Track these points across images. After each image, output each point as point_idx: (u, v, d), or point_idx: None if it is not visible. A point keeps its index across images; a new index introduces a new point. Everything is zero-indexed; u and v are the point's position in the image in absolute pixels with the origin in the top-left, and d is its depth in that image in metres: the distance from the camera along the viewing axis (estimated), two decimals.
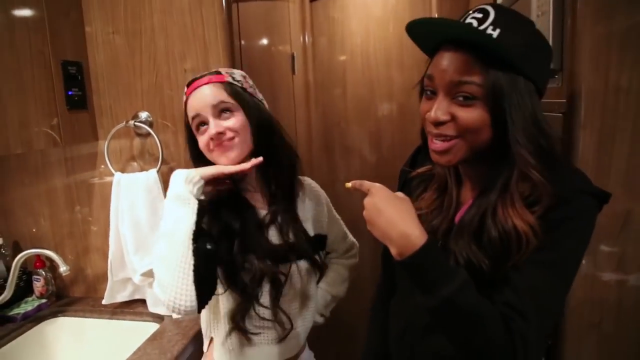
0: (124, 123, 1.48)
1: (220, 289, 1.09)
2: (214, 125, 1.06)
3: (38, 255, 1.61)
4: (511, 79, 0.75)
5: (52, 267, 1.66)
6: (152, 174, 1.46)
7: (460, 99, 0.77)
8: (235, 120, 1.08)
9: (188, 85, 1.12)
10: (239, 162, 1.08)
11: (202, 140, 1.09)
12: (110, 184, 1.51)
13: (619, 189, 1.04)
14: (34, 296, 1.63)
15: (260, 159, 1.07)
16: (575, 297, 1.05)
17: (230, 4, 1.45)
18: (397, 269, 1.02)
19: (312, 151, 2.57)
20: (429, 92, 0.83)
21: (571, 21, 1.07)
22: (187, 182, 1.01)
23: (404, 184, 1.06)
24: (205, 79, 1.10)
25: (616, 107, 1.02)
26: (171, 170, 1.50)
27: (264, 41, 1.93)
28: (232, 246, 1.07)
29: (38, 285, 1.61)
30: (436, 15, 2.32)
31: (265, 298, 1.11)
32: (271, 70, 1.98)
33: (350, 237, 1.40)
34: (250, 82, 1.17)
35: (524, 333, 0.73)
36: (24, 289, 1.62)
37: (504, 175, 0.79)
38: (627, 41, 0.99)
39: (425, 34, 0.82)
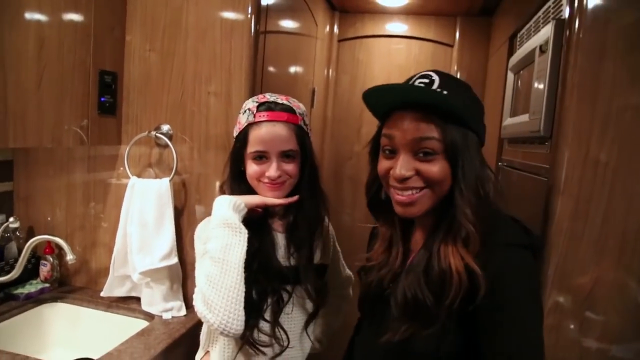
0: (147, 132, 1.59)
1: None
2: (276, 168, 1.12)
3: (49, 242, 1.71)
4: (463, 133, 0.84)
5: (60, 255, 1.75)
6: (165, 183, 1.57)
7: (422, 155, 0.84)
8: (294, 167, 1.15)
9: (259, 109, 1.13)
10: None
11: (254, 169, 1.14)
12: (125, 186, 1.60)
13: (589, 255, 1.12)
14: (38, 279, 1.73)
15: (297, 198, 1.16)
16: None
17: (259, 34, 1.57)
18: (360, 310, 1.10)
19: (321, 178, 2.67)
20: (387, 152, 0.89)
21: (560, 96, 1.16)
22: (234, 210, 1.08)
23: (369, 241, 1.15)
24: (283, 116, 1.13)
25: (593, 178, 1.09)
26: (182, 181, 1.63)
27: (288, 71, 2.05)
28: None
29: (44, 269, 1.71)
30: (455, 67, 2.43)
31: (267, 313, 1.15)
32: None
33: (347, 270, 1.45)
34: (308, 120, 1.23)
35: None
36: (30, 272, 1.71)
37: (449, 220, 0.85)
38: (609, 120, 1.08)
39: (384, 99, 0.89)
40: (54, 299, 1.68)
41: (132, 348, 1.33)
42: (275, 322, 1.16)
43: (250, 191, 1.19)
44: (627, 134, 1.07)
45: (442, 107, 0.83)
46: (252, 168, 1.15)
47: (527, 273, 0.83)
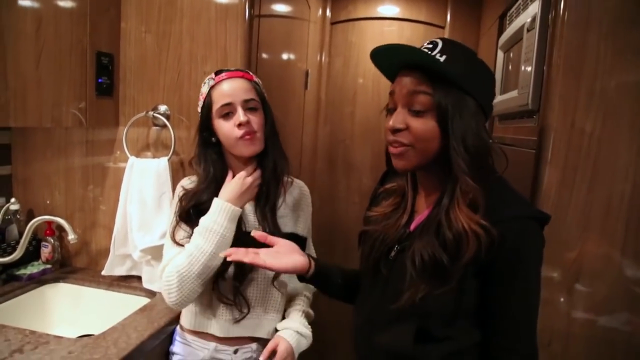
0: (144, 113, 1.62)
1: None
2: (243, 114, 1.20)
3: (49, 223, 1.74)
4: (457, 96, 0.88)
5: (61, 237, 1.79)
6: (163, 162, 1.59)
7: (413, 109, 0.89)
8: (260, 119, 1.24)
9: (217, 74, 1.25)
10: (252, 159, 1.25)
11: (227, 126, 1.21)
12: (123, 169, 1.63)
13: (575, 223, 1.16)
14: (40, 261, 1.75)
15: (259, 172, 1.26)
16: None
17: (253, 18, 1.59)
18: (361, 271, 1.13)
19: (316, 165, 2.70)
20: (390, 110, 0.95)
21: (547, 72, 1.20)
22: (230, 220, 1.19)
23: (372, 200, 1.18)
24: (239, 73, 1.26)
25: (579, 148, 1.14)
26: (180, 160, 1.65)
27: (282, 55, 2.07)
28: None
29: (45, 251, 1.74)
30: None
31: (229, 277, 1.24)
32: (285, 83, 2.12)
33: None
34: (262, 87, 1.33)
35: None
36: (32, 253, 1.74)
37: (452, 181, 0.89)
38: (593, 93, 1.12)
39: (387, 61, 0.95)
40: (56, 280, 1.71)
41: (135, 322, 1.37)
42: (236, 290, 1.24)
43: (217, 160, 1.28)
44: (611, 106, 1.11)
45: (433, 69, 0.88)
46: (223, 127, 1.22)
47: (540, 247, 0.90)
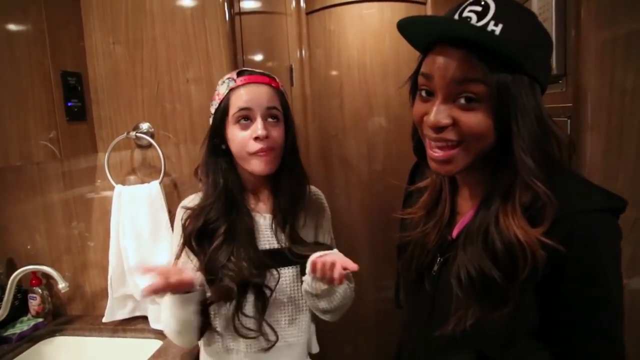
0: (125, 134, 1.46)
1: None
2: (262, 127, 1.06)
3: (34, 273, 1.57)
4: (516, 78, 0.70)
5: (49, 284, 1.62)
6: (155, 186, 1.45)
7: (463, 101, 0.71)
8: (280, 132, 1.11)
9: (240, 74, 1.11)
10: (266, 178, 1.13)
11: (241, 136, 1.07)
12: (108, 198, 1.49)
13: (627, 190, 1.05)
14: (29, 315, 1.59)
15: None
16: None
17: (233, 16, 1.45)
18: (403, 286, 0.99)
19: (309, 162, 2.57)
20: (424, 93, 0.77)
21: (575, 26, 1.08)
22: (177, 306, 1.04)
23: (405, 201, 1.03)
24: (265, 78, 1.12)
25: (622, 108, 1.03)
26: (173, 182, 1.50)
27: (264, 53, 1.95)
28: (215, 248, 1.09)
29: (34, 303, 1.57)
30: None
31: (249, 308, 1.09)
32: None
33: None
34: (287, 95, 1.19)
35: None
36: (19, 308, 1.57)
37: (506, 182, 0.74)
38: (632, 44, 1.01)
39: (420, 34, 0.76)
40: (51, 334, 1.55)
41: None
42: (260, 317, 1.10)
43: (231, 167, 1.14)
44: None
45: (489, 47, 0.69)
46: (237, 136, 1.08)
47: (616, 241, 0.72)
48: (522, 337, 0.75)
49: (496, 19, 0.70)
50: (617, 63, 1.02)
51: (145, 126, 1.49)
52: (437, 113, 0.72)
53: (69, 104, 1.41)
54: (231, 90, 1.09)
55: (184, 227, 1.12)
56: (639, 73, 1.01)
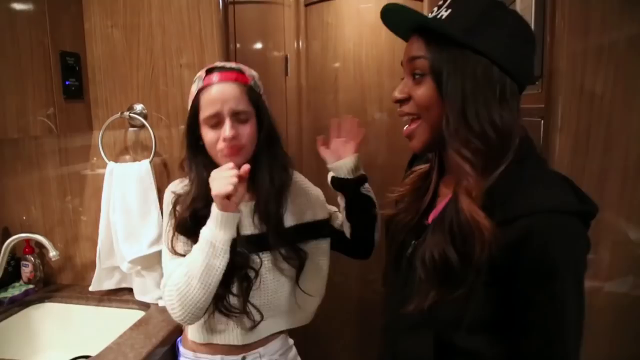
0: (119, 114, 1.51)
1: None
2: (230, 128, 1.06)
3: (27, 241, 1.63)
4: (458, 54, 0.73)
5: (41, 253, 1.68)
6: (145, 165, 1.49)
7: (415, 77, 0.79)
8: (250, 129, 1.10)
9: (207, 73, 1.10)
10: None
11: (211, 136, 1.09)
12: (102, 176, 1.53)
13: (591, 190, 1.09)
14: (21, 281, 1.65)
15: (247, 167, 1.02)
16: None
17: (227, 5, 1.49)
18: (386, 263, 1.02)
19: (302, 153, 2.61)
20: (402, 79, 0.84)
21: (550, 32, 1.13)
22: (224, 227, 1.03)
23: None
24: (232, 75, 1.10)
25: (590, 112, 1.07)
26: (163, 161, 1.55)
27: (259, 43, 1.98)
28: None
29: (26, 270, 1.63)
30: None
31: (235, 289, 1.12)
32: (265, 71, 2.02)
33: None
34: (261, 84, 1.19)
35: None
36: (12, 274, 1.63)
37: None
38: (602, 54, 1.05)
39: (395, 23, 0.84)
40: (41, 300, 1.61)
41: (132, 340, 1.28)
42: (245, 298, 1.13)
43: (208, 164, 1.14)
44: (622, 65, 1.04)
45: (432, 29, 0.77)
46: (208, 136, 1.10)
47: (575, 246, 0.71)
48: (476, 329, 0.75)
49: (448, 6, 0.78)
50: (587, 70, 1.06)
51: (139, 107, 1.54)
52: (397, 89, 0.82)
53: (67, 83, 1.46)
54: (200, 90, 1.10)
55: (174, 213, 1.15)
56: (607, 81, 1.06)
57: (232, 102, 1.07)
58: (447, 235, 0.75)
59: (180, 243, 1.13)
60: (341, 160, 1.20)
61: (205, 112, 1.08)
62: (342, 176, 1.21)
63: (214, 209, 1.03)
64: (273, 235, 1.16)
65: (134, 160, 1.57)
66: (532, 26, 1.20)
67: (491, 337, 0.75)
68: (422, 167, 0.98)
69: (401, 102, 0.82)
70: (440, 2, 0.81)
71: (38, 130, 1.39)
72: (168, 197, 1.19)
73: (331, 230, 1.29)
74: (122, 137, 1.58)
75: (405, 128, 0.84)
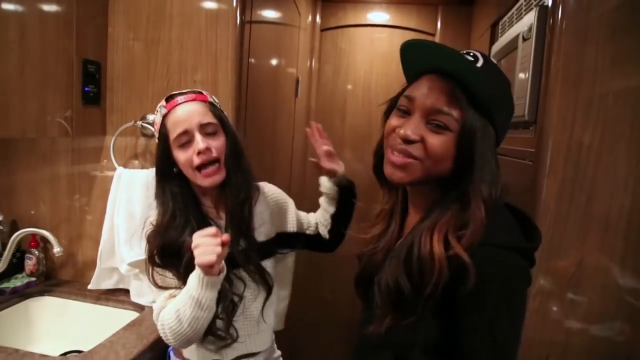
0: (132, 122, 1.58)
1: None
2: (202, 141, 1.10)
3: (33, 235, 1.69)
4: (483, 122, 0.79)
5: (45, 248, 1.73)
6: (152, 173, 1.53)
7: (434, 125, 0.80)
8: (221, 143, 1.14)
9: (168, 100, 1.15)
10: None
11: (185, 156, 1.11)
12: (110, 178, 1.59)
13: (574, 235, 1.15)
14: (24, 273, 1.70)
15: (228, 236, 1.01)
16: (526, 332, 1.13)
17: (244, 24, 1.57)
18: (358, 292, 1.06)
19: (306, 171, 2.67)
20: (402, 111, 0.84)
21: (545, 81, 1.19)
22: (206, 287, 1.03)
23: None
24: (190, 96, 1.15)
25: (578, 160, 1.13)
26: None
27: (272, 62, 2.05)
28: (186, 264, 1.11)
29: (30, 263, 1.69)
30: None
31: (220, 312, 1.15)
32: (275, 90, 2.09)
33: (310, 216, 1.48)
34: (219, 103, 1.24)
35: None
36: (16, 266, 1.68)
37: (442, 206, 0.81)
38: (592, 106, 1.11)
39: (419, 58, 0.84)
40: (41, 293, 1.66)
41: (124, 339, 1.33)
42: (229, 320, 1.17)
43: (182, 188, 1.17)
44: (610, 117, 1.10)
45: (475, 89, 0.78)
46: (182, 156, 1.12)
47: (514, 280, 0.77)
48: (429, 351, 0.80)
49: (482, 68, 0.80)
50: (577, 120, 1.12)
51: (151, 117, 1.59)
52: (408, 128, 0.80)
53: (86, 89, 1.54)
54: (165, 116, 1.14)
55: (147, 243, 1.16)
56: (595, 132, 1.11)
57: (198, 117, 1.12)
58: (402, 264, 0.80)
59: (159, 276, 1.14)
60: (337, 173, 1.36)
61: (174, 133, 1.11)
62: (345, 184, 1.36)
63: (198, 269, 1.04)
64: (244, 253, 1.19)
65: (142, 167, 1.63)
66: (530, 74, 1.26)
67: (440, 358, 0.80)
68: (385, 199, 1.00)
69: (410, 142, 0.81)
70: (470, 58, 0.80)
71: (55, 132, 1.46)
72: (145, 227, 1.20)
73: (304, 240, 1.40)
74: (133, 144, 1.65)
75: (399, 157, 0.83)
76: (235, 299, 1.18)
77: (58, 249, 1.50)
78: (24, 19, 1.30)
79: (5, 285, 1.60)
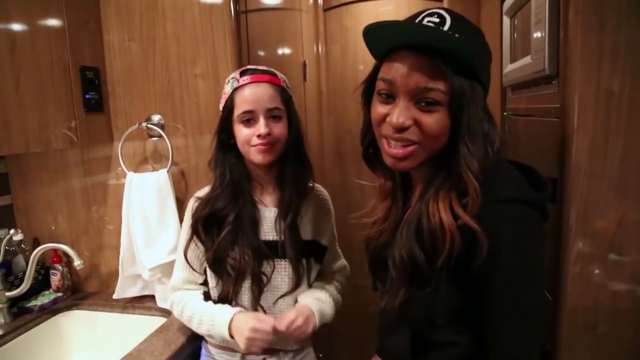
0: (137, 125, 1.55)
1: (211, 279, 1.19)
2: (264, 125, 1.12)
3: (55, 251, 1.68)
4: (470, 84, 0.75)
5: (69, 262, 1.72)
6: (163, 174, 1.53)
7: (423, 104, 0.75)
8: (282, 129, 1.17)
9: (243, 74, 1.16)
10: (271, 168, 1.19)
11: (245, 132, 1.14)
12: (124, 185, 1.57)
13: (612, 192, 1.06)
14: (50, 290, 1.70)
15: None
16: (569, 300, 1.06)
17: (239, 13, 1.52)
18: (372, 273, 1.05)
19: (324, 157, 2.61)
20: (383, 96, 0.80)
21: (563, 29, 1.10)
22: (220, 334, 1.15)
23: None
24: (266, 76, 1.17)
25: (608, 111, 1.04)
26: (181, 170, 1.58)
27: (277, 49, 1.99)
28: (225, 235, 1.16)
29: (55, 279, 1.69)
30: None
31: (245, 294, 1.18)
32: None
33: (343, 260, 1.44)
34: (289, 88, 1.24)
35: None
36: (41, 283, 1.69)
37: (444, 174, 0.79)
38: (618, 51, 1.02)
39: (385, 38, 0.79)
40: (69, 307, 1.65)
41: (152, 346, 1.30)
42: (256, 304, 1.19)
43: (238, 161, 1.21)
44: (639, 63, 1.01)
45: (453, 54, 0.73)
46: (242, 133, 1.15)
47: (526, 233, 0.74)
48: (448, 321, 0.79)
49: (453, 29, 0.75)
50: (603, 68, 1.03)
51: (156, 118, 1.57)
52: (400, 115, 0.76)
53: (87, 96, 1.51)
54: (235, 90, 1.15)
55: (193, 215, 1.20)
56: (625, 78, 1.02)
57: (266, 100, 1.14)
58: (413, 235, 0.79)
59: (195, 251, 1.20)
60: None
61: (239, 110, 1.14)
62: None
63: (228, 331, 1.13)
64: (289, 246, 1.19)
65: (154, 169, 1.61)
66: (547, 23, 1.17)
67: (463, 326, 0.79)
68: (380, 183, 0.98)
69: (404, 129, 0.77)
70: (435, 19, 0.76)
71: (60, 144, 1.43)
72: (191, 203, 1.25)
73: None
74: (141, 148, 1.62)
75: (398, 149, 0.80)
76: (263, 278, 1.19)
77: (78, 262, 1.48)
78: (13, 31, 1.27)
79: (33, 303, 1.60)
